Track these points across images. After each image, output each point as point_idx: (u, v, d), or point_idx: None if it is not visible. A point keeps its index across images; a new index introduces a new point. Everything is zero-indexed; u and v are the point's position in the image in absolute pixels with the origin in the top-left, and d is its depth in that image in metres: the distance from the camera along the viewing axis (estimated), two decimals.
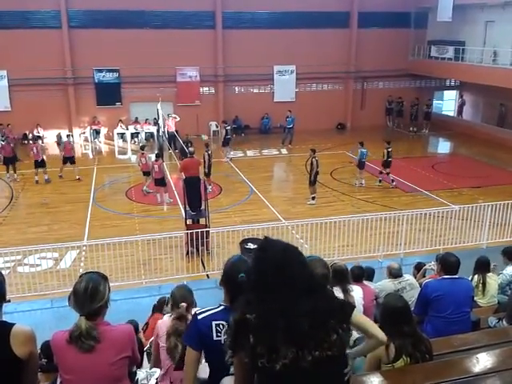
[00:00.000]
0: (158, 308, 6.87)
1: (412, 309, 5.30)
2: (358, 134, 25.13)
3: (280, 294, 1.99)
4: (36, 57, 22.48)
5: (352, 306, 2.39)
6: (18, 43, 22.29)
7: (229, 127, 21.27)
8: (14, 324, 2.79)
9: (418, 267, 7.60)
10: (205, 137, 16.74)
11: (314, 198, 15.26)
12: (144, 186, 16.32)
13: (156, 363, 4.12)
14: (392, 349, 3.55)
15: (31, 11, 22.73)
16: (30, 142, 21.71)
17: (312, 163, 15.11)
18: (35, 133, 23.62)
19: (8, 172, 17.68)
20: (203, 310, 2.91)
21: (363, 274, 6.49)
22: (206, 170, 16.22)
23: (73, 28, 23.31)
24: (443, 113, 29.66)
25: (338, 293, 4.87)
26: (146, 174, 16.15)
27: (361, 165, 16.99)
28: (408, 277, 6.49)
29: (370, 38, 26.06)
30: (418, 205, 14.10)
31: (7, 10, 22.12)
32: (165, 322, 4.12)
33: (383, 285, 6.32)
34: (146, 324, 6.67)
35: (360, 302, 5.33)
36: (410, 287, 6.18)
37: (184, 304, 3.94)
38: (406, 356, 3.52)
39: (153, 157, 16.50)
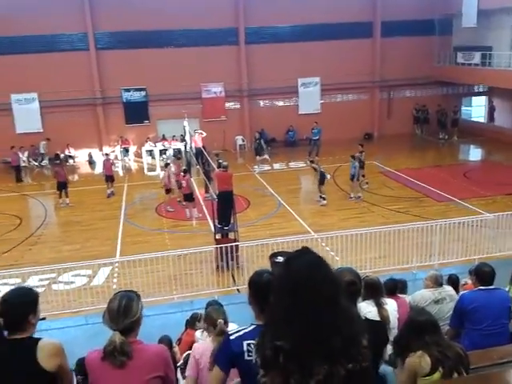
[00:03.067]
0: (191, 323, 6.88)
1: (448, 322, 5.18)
2: (386, 143, 25.02)
3: (306, 311, 1.93)
4: (65, 79, 23.16)
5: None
6: (48, 66, 23.00)
7: (262, 140, 21.74)
8: (40, 338, 2.88)
9: (452, 279, 7.38)
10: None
11: (324, 198, 16.09)
12: (167, 206, 16.51)
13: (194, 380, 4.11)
14: (427, 361, 3.47)
15: (59, 34, 23.49)
16: (56, 162, 22.34)
17: (315, 168, 16.50)
18: (66, 153, 24.26)
19: (61, 197, 17.29)
20: (235, 330, 2.92)
21: (396, 287, 6.34)
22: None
23: (100, 49, 23.95)
24: (472, 119, 29.11)
25: (370, 307, 4.78)
26: (168, 191, 16.36)
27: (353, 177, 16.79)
28: (448, 288, 6.28)
29: (394, 47, 25.91)
30: (450, 214, 13.80)
31: (37, 34, 22.88)
32: (199, 344, 4.11)
33: (422, 294, 6.15)
34: (179, 339, 6.67)
35: (395, 315, 5.20)
36: (450, 299, 5.98)
37: (221, 320, 3.96)
38: (440, 367, 3.44)
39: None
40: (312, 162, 16.79)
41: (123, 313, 2.88)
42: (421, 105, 26.85)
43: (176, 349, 6.22)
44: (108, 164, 18.49)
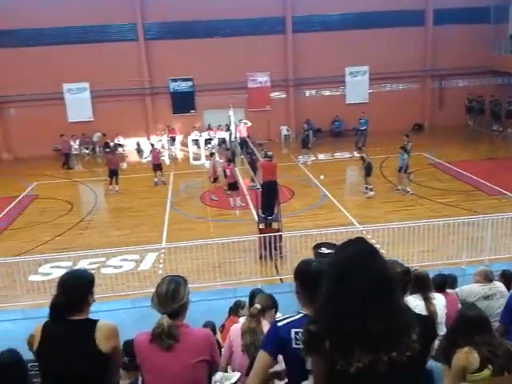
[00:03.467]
0: (235, 310, 6.93)
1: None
2: (436, 135, 24.27)
3: (353, 297, 1.93)
4: (115, 69, 23.71)
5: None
6: (99, 56, 23.61)
7: (310, 129, 21.50)
8: (97, 320, 2.93)
9: (505, 275, 7.10)
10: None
11: (371, 190, 15.87)
12: (212, 195, 16.67)
13: (223, 363, 4.17)
14: (475, 357, 3.39)
15: (109, 25, 24.04)
16: (107, 150, 23.03)
17: (363, 158, 15.99)
18: (116, 141, 24.93)
19: (111, 184, 17.75)
20: (282, 317, 2.90)
21: (446, 282, 6.16)
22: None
23: (149, 40, 24.35)
24: None
25: (418, 301, 4.67)
26: (214, 180, 16.52)
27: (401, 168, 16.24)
28: (499, 284, 6.07)
29: (446, 35, 24.99)
30: (503, 208, 13.24)
31: (88, 24, 23.52)
32: (237, 326, 4.18)
33: (471, 289, 5.97)
34: (223, 326, 6.74)
35: (443, 310, 5.07)
36: (500, 295, 5.77)
37: (258, 305, 3.99)
38: (489, 364, 3.35)
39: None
40: (360, 149, 16.38)
41: (171, 297, 2.93)
42: (476, 95, 25.81)
43: (218, 335, 6.30)
44: (155, 153, 18.82)
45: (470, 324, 3.58)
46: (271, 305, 4.31)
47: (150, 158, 19.49)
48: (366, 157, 16.01)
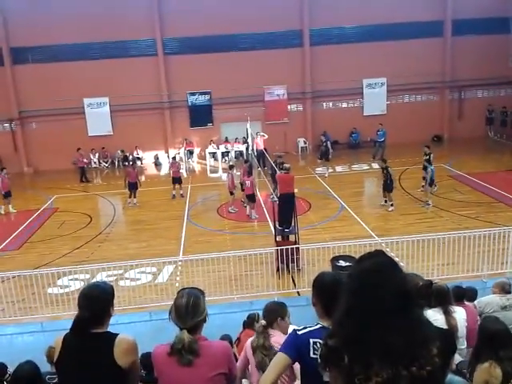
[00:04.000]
0: (249, 324, 6.88)
1: None
2: (456, 146, 24.00)
3: (372, 311, 1.90)
4: (134, 83, 24.08)
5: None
6: (118, 71, 24.02)
7: (328, 141, 21.41)
8: (117, 334, 2.91)
9: None
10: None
11: (392, 205, 15.56)
12: (229, 207, 16.69)
13: (238, 376, 4.16)
14: (498, 372, 3.30)
15: (129, 41, 24.45)
16: (126, 163, 23.25)
17: (387, 171, 15.50)
18: (135, 154, 25.22)
19: (130, 197, 17.82)
20: (302, 327, 2.92)
21: (464, 295, 6.07)
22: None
23: (167, 55, 24.69)
24: None
25: (438, 314, 4.58)
26: (231, 193, 16.53)
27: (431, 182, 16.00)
28: None
29: (465, 46, 24.82)
30: None
31: (108, 40, 23.97)
32: (251, 339, 4.17)
33: (489, 300, 5.88)
34: (238, 339, 6.69)
35: (463, 323, 4.99)
36: None
37: (263, 321, 4.02)
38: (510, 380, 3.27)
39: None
40: (384, 161, 15.88)
41: (191, 311, 2.89)
42: (498, 106, 25.50)
43: (234, 349, 6.26)
44: (175, 166, 18.83)
45: (492, 338, 3.50)
46: (278, 315, 4.26)
47: (169, 170, 19.60)
48: (390, 170, 15.48)
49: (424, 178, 16.31)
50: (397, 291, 1.92)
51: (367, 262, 2.02)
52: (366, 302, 1.91)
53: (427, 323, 2.05)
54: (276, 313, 4.31)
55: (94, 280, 10.21)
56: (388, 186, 15.54)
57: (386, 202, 15.81)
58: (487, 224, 13.14)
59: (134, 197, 17.91)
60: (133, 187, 17.84)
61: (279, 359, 2.79)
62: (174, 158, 20.69)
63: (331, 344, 1.95)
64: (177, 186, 18.62)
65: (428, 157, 16.34)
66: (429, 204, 15.67)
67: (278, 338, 4.15)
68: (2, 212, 18.04)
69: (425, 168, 16.32)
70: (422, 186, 16.48)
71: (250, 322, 6.89)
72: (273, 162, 17.22)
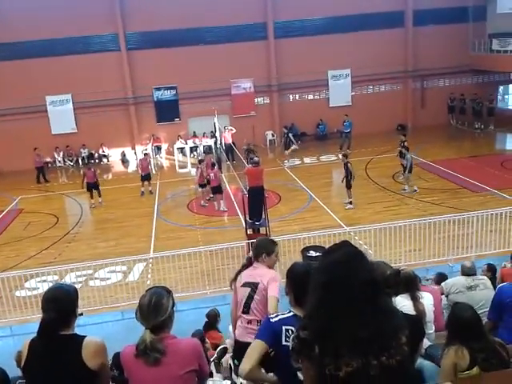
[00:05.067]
0: (211, 325, 6.88)
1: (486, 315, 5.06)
2: (420, 134, 24.50)
3: (339, 303, 1.93)
4: (98, 79, 23.60)
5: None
6: (81, 67, 23.47)
7: (290, 134, 21.62)
8: (85, 336, 2.88)
9: (490, 268, 7.25)
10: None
11: (351, 203, 15.16)
12: (201, 201, 16.66)
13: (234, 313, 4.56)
14: (466, 355, 3.41)
15: (91, 36, 23.90)
16: (92, 161, 22.75)
17: (347, 167, 14.99)
18: (100, 152, 24.79)
19: (92, 198, 17.33)
20: (274, 314, 3.06)
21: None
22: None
23: (131, 50, 24.28)
24: (510, 108, 28.15)
25: (406, 300, 4.70)
26: (202, 186, 16.45)
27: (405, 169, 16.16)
28: (482, 277, 6.18)
29: (426, 36, 25.32)
30: (488, 205, 13.38)
31: (69, 36, 23.37)
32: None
33: (454, 281, 6.07)
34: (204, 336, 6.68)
35: (431, 308, 5.12)
36: (484, 286, 5.88)
37: (250, 253, 4.53)
38: (478, 361, 3.38)
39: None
40: (346, 156, 15.52)
41: (153, 311, 2.87)
42: (456, 94, 26.15)
43: (208, 344, 6.25)
44: (145, 163, 18.40)
45: (465, 327, 3.56)
46: (264, 251, 4.38)
47: (137, 167, 19.28)
48: (350, 166, 14.98)
49: (403, 165, 16.52)
50: (365, 281, 1.95)
51: (335, 254, 2.04)
52: (335, 294, 1.93)
53: (395, 312, 2.09)
54: (262, 248, 4.40)
55: (63, 281, 10.03)
56: (347, 183, 15.07)
57: (351, 202, 15.25)
58: (452, 210, 13.52)
59: (99, 196, 17.44)
60: (92, 187, 17.30)
61: (255, 346, 2.86)
62: (145, 154, 20.40)
63: (303, 336, 1.97)
64: (146, 182, 18.40)
65: (403, 144, 16.56)
66: (416, 190, 15.88)
67: (260, 271, 4.34)
68: None
69: (402, 155, 16.47)
70: (403, 174, 16.58)
71: (212, 322, 6.89)
72: (245, 155, 17.25)
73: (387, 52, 25.23)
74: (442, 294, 6.14)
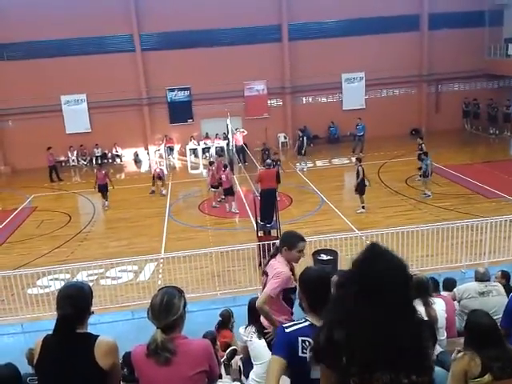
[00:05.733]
0: (224, 324, 6.88)
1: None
2: (434, 139, 24.23)
3: (380, 312, 1.79)
4: (112, 80, 23.76)
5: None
6: (96, 68, 23.67)
7: (304, 136, 21.56)
8: (98, 336, 2.89)
9: (504, 275, 7.14)
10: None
11: (363, 207, 14.97)
12: (213, 202, 16.69)
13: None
14: (478, 362, 3.35)
15: (106, 36, 24.11)
16: (104, 161, 22.85)
17: (358, 172, 14.82)
18: (113, 152, 24.95)
19: (105, 198, 17.30)
20: (289, 324, 2.90)
21: (438, 285, 6.24)
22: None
23: (145, 50, 24.43)
24: None
25: (418, 306, 4.65)
26: (214, 187, 16.48)
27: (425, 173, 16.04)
28: (496, 283, 6.10)
29: (441, 39, 25.14)
30: (502, 211, 13.22)
31: (84, 36, 23.58)
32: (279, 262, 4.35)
33: (467, 286, 6.01)
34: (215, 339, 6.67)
35: (443, 314, 5.08)
36: (497, 293, 5.81)
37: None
38: (490, 369, 3.31)
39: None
40: (359, 160, 15.21)
41: (164, 310, 2.87)
42: (471, 98, 25.91)
43: (218, 346, 6.25)
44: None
45: (483, 334, 3.51)
46: (286, 244, 4.35)
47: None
48: (361, 171, 14.71)
49: (420, 169, 16.40)
50: (406, 291, 1.84)
51: (379, 262, 1.86)
52: (375, 302, 1.80)
53: (425, 323, 1.98)
54: (284, 242, 4.40)
55: (74, 279, 10.11)
56: (360, 188, 14.86)
57: (363, 206, 15.00)
58: (465, 215, 13.37)
59: (105, 199, 17.29)
60: (102, 189, 17.24)
61: (273, 364, 2.74)
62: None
63: (331, 340, 1.85)
64: (159, 182, 18.42)
65: (420, 147, 16.43)
66: (429, 195, 15.76)
67: (274, 264, 4.36)
68: None
69: (421, 159, 16.37)
70: (420, 176, 16.50)
71: (226, 321, 6.89)
72: (271, 158, 17.14)
73: (402, 56, 25.10)
74: (454, 299, 6.08)
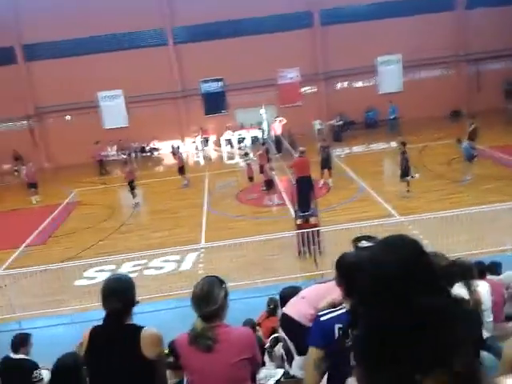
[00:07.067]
0: (272, 310, 6.93)
1: None
2: (476, 120, 23.45)
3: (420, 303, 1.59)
4: (147, 74, 24.12)
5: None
6: (130, 63, 24.07)
7: (340, 122, 21.26)
8: (143, 327, 2.96)
9: None
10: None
11: (408, 191, 14.58)
12: (250, 193, 16.74)
13: None
14: None
15: (139, 32, 24.44)
16: (143, 155, 23.24)
17: (403, 156, 14.34)
18: (151, 145, 25.38)
19: (133, 196, 17.22)
20: (326, 311, 2.87)
21: (484, 269, 6.05)
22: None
23: (177, 44, 24.62)
24: None
25: (461, 289, 4.54)
26: (251, 179, 16.51)
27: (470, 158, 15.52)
28: None
29: (478, 19, 24.22)
30: None
31: (117, 32, 23.98)
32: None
33: (508, 275, 5.81)
34: (258, 324, 6.73)
35: (488, 297, 4.93)
36: None
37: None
38: None
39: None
40: (404, 144, 14.50)
41: (204, 299, 2.91)
42: None
43: (260, 332, 6.29)
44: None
45: None
46: None
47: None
48: (407, 155, 14.25)
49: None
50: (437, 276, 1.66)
51: (407, 244, 1.64)
52: (415, 290, 1.55)
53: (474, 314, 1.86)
54: None
55: (119, 271, 10.38)
56: (404, 173, 14.45)
57: (408, 191, 14.65)
58: (509, 198, 12.90)
59: (133, 196, 17.13)
60: (130, 186, 17.17)
61: (311, 355, 2.74)
62: (177, 147, 20.64)
63: (372, 337, 1.63)
64: (181, 176, 18.72)
65: (471, 128, 15.87)
66: (467, 179, 15.28)
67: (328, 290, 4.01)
68: (34, 202, 18.76)
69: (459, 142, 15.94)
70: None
71: (274, 309, 6.94)
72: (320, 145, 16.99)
73: (438, 36, 24.39)
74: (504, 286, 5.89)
